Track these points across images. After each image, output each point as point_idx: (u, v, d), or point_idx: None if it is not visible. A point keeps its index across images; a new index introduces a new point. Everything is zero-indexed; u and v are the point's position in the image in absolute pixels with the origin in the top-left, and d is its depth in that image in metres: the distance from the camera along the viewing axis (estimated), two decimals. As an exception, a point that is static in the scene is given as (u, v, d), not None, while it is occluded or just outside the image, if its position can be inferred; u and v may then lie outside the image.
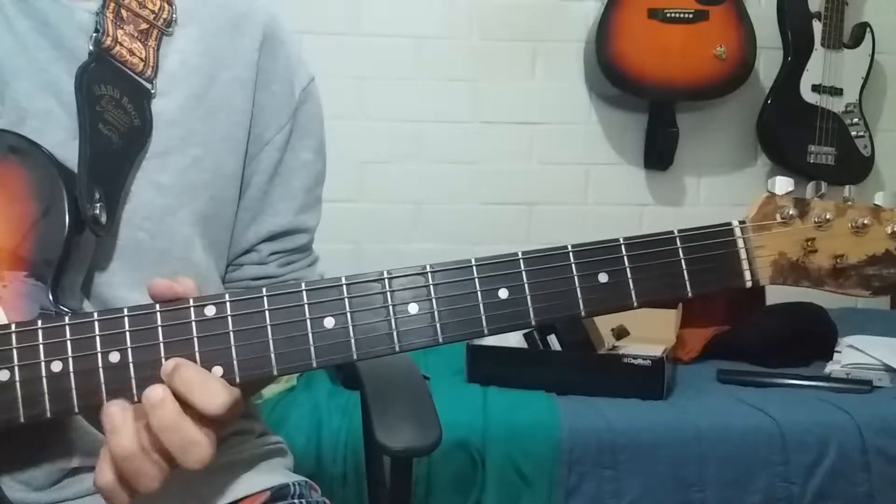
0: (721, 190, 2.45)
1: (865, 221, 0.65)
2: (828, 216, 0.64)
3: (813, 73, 2.31)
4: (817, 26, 2.31)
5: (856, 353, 1.81)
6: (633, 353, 1.70)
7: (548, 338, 1.73)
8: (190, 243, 0.75)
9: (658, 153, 2.38)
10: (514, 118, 2.40)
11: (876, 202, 0.66)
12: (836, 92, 2.32)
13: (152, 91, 0.73)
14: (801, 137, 2.30)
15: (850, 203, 0.65)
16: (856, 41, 2.36)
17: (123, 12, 0.73)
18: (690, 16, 2.22)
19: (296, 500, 0.80)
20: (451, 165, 2.39)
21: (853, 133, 2.32)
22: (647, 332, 1.84)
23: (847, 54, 2.34)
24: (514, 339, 1.75)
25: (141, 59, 0.73)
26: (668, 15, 2.22)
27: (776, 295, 2.17)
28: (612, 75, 2.23)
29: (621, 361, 1.67)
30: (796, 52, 2.32)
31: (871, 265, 0.65)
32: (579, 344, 1.72)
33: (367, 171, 2.37)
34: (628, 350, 1.75)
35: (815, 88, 2.31)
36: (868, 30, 2.35)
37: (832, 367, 1.82)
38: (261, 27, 0.82)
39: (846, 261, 0.65)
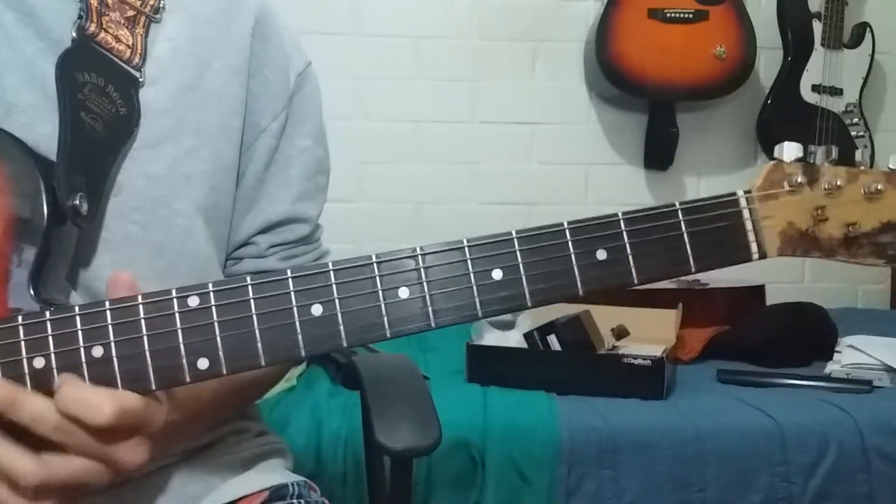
0: (721, 190, 2.40)
1: (879, 187, 0.61)
2: (839, 182, 0.60)
3: (813, 73, 2.31)
4: (817, 26, 2.31)
5: (856, 353, 1.81)
6: (633, 353, 1.69)
7: (548, 338, 1.73)
8: (188, 235, 0.73)
9: (658, 153, 2.38)
10: (514, 118, 2.40)
11: (891, 166, 0.62)
12: (836, 92, 2.32)
13: (140, 79, 0.71)
14: (801, 137, 2.24)
15: (862, 168, 0.62)
16: (856, 41, 2.36)
17: None
18: (690, 16, 2.22)
19: (294, 501, 0.80)
20: (450, 165, 2.39)
21: (853, 133, 2.32)
22: (647, 332, 1.84)
23: (847, 54, 2.34)
24: (514, 340, 1.75)
25: (128, 46, 0.71)
26: (668, 15, 2.22)
27: (776, 295, 2.17)
28: (612, 75, 2.23)
29: (621, 361, 1.66)
30: (796, 52, 2.32)
31: (886, 232, 0.61)
32: (579, 344, 1.72)
33: (367, 171, 2.37)
34: (628, 350, 1.75)
35: (815, 88, 2.31)
36: (868, 30, 2.35)
37: (832, 367, 1.82)
38: (252, 13, 0.80)
39: (859, 229, 0.61)
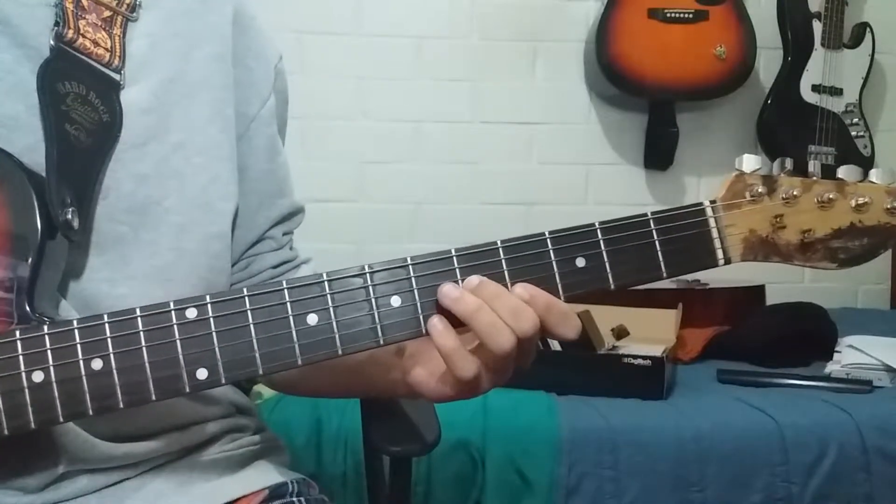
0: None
1: (831, 196, 0.66)
2: (795, 192, 0.66)
3: (813, 73, 2.31)
4: (817, 26, 2.31)
5: (856, 353, 1.81)
6: (633, 353, 1.69)
7: (547, 337, 1.73)
8: (183, 231, 0.72)
9: (658, 153, 2.38)
10: (514, 118, 2.40)
11: (839, 176, 0.67)
12: (836, 92, 2.32)
13: (120, 82, 0.70)
14: (801, 137, 2.30)
15: (815, 178, 0.66)
16: (856, 41, 2.36)
17: (84, 1, 0.69)
18: (690, 16, 2.22)
19: (294, 499, 0.79)
20: (451, 165, 2.39)
21: (853, 133, 2.32)
22: (647, 332, 1.84)
23: (847, 54, 2.34)
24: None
25: (106, 49, 0.70)
26: (668, 15, 2.22)
27: (776, 295, 2.17)
28: (612, 75, 2.23)
29: (621, 361, 1.67)
30: (796, 52, 2.32)
31: (837, 238, 0.66)
32: (579, 344, 1.72)
33: (367, 171, 2.37)
34: (628, 350, 1.75)
35: (815, 88, 2.31)
36: (868, 30, 2.35)
37: (832, 367, 1.82)
38: (230, 4, 0.80)
39: (813, 235, 0.66)
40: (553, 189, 2.41)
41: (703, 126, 2.44)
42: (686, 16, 2.22)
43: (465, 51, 2.39)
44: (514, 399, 1.60)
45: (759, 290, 2.18)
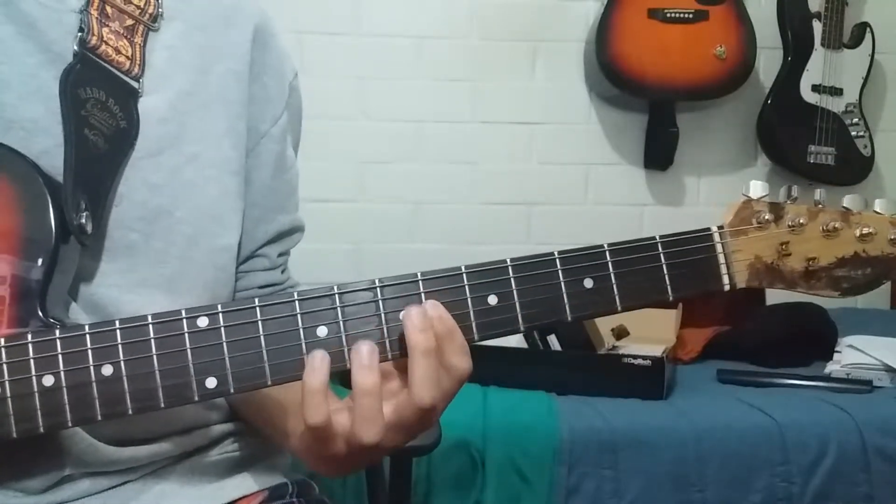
0: (721, 190, 2.44)
1: (836, 225, 0.67)
2: (801, 220, 0.67)
3: (813, 73, 2.31)
4: (817, 26, 2.31)
5: (856, 353, 1.81)
6: (633, 353, 1.69)
7: (548, 338, 1.73)
8: (192, 242, 0.73)
9: (658, 153, 2.38)
10: (514, 118, 2.40)
11: (844, 205, 0.67)
12: (836, 92, 2.32)
13: (139, 90, 0.71)
14: (801, 137, 2.30)
15: (821, 207, 0.67)
16: (856, 41, 2.36)
17: (108, 9, 0.70)
18: (690, 16, 2.22)
19: (294, 499, 0.80)
20: (451, 165, 2.39)
21: (853, 133, 2.32)
22: (647, 332, 1.84)
23: (847, 54, 2.34)
24: (515, 339, 1.75)
25: (127, 57, 0.70)
26: (668, 15, 2.22)
27: (776, 295, 2.17)
28: (612, 75, 2.23)
29: (621, 361, 1.67)
30: (796, 52, 2.32)
31: (841, 267, 0.67)
32: (579, 344, 1.72)
33: (367, 171, 2.37)
34: (628, 350, 1.75)
35: (815, 88, 2.31)
36: (868, 30, 2.35)
37: (832, 367, 1.82)
38: (252, 20, 0.80)
39: (818, 263, 0.67)
40: (553, 189, 2.41)
41: (703, 126, 2.44)
42: (686, 16, 2.22)
43: (464, 51, 2.39)
44: (514, 399, 1.61)
45: (759, 290, 2.17)
